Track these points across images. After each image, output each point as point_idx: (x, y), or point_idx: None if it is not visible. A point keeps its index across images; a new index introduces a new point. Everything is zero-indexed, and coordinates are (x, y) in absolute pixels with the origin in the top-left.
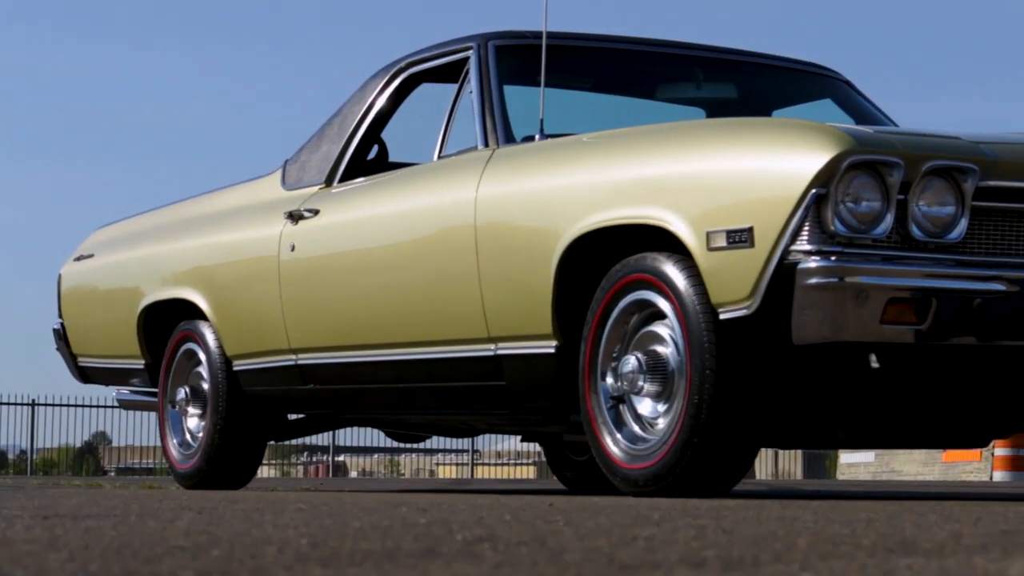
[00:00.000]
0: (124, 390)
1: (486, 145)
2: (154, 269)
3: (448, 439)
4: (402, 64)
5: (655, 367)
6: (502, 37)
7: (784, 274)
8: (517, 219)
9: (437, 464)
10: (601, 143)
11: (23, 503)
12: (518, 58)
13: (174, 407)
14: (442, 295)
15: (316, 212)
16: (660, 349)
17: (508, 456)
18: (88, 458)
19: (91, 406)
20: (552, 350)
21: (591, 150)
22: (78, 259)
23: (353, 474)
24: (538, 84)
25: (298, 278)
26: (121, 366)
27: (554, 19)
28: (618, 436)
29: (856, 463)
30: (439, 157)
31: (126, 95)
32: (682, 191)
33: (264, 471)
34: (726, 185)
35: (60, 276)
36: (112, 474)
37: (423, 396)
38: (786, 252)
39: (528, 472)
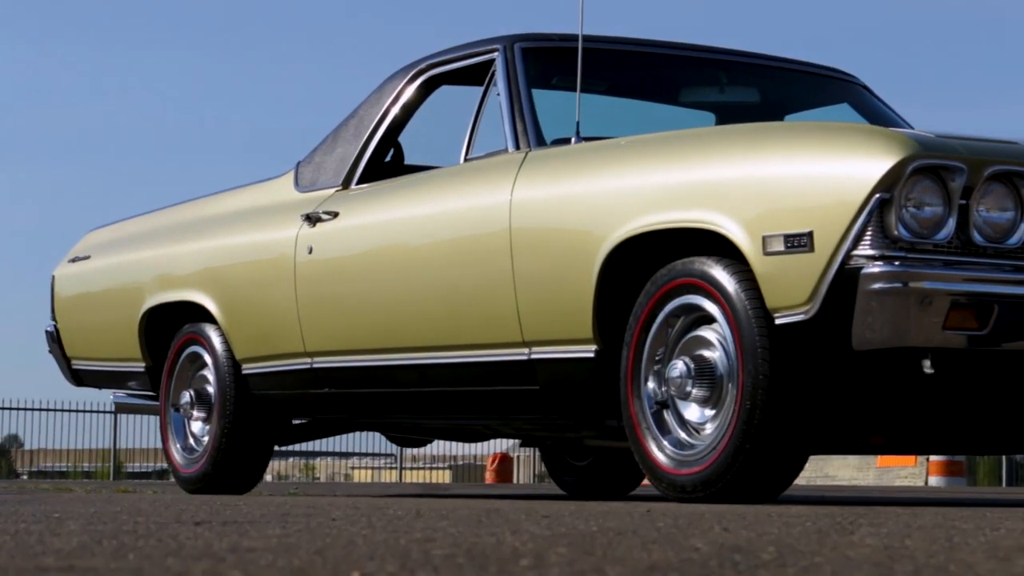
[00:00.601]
0: (121, 393)
1: (517, 148)
2: (157, 271)
3: (366, 442)
4: (422, 66)
5: (703, 372)
6: (528, 39)
7: (845, 279)
8: (556, 222)
9: (352, 468)
10: (646, 146)
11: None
12: (543, 61)
13: (177, 411)
14: (474, 298)
15: (335, 214)
16: (707, 354)
17: (424, 460)
18: (1, 461)
19: (2, 408)
20: (591, 354)
21: (636, 153)
22: (73, 261)
23: (268, 477)
24: (562, 87)
25: (315, 280)
26: (119, 369)
27: (563, 23)
28: (664, 442)
29: None
30: (466, 160)
31: (111, 96)
32: (737, 195)
33: None
34: (784, 189)
35: (53, 278)
36: (25, 477)
37: (449, 400)
38: (847, 257)
39: (444, 476)
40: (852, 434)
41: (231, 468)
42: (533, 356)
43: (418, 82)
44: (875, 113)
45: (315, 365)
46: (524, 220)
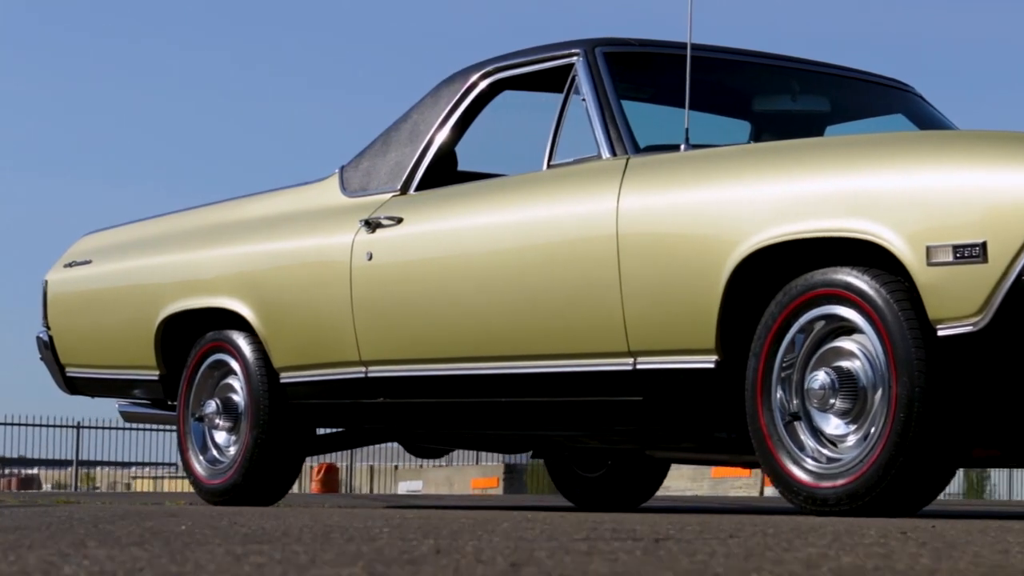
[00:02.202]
0: (125, 402)
1: (613, 154)
2: (178, 277)
3: (147, 453)
4: (487, 69)
5: (845, 384)
6: (608, 44)
7: (1022, 291)
8: (673, 230)
9: (133, 477)
10: (779, 154)
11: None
12: (623, 66)
13: (200, 420)
14: (572, 306)
15: (398, 220)
16: (848, 365)
17: None
18: None
19: None
20: (711, 365)
21: (767, 161)
22: (69, 265)
23: (47, 487)
24: (638, 94)
25: (376, 287)
26: (123, 377)
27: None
28: (800, 454)
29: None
30: (549, 166)
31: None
32: (896, 205)
33: None
34: (952, 199)
35: (46, 283)
36: None
37: (533, 411)
38: None
39: None
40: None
41: (262, 479)
42: (639, 366)
43: (481, 87)
44: (932, 124)
45: (370, 374)
46: (634, 227)
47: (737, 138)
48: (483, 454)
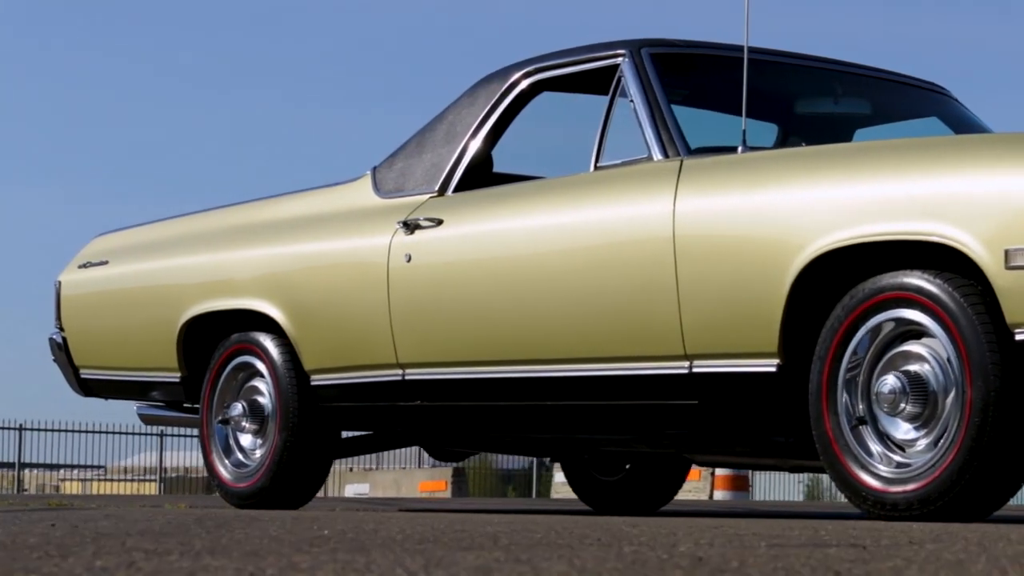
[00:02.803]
0: (143, 404)
1: (665, 156)
2: (202, 278)
3: (74, 455)
4: (527, 69)
5: (916, 388)
6: (653, 44)
7: None
8: (734, 232)
9: (62, 480)
10: (846, 157)
11: None
12: (669, 67)
13: (224, 423)
14: (626, 309)
15: (438, 221)
16: (918, 368)
17: (134, 472)
18: None
19: None
20: (772, 369)
21: (833, 163)
22: (84, 266)
23: None
24: (677, 96)
25: (416, 289)
26: (141, 379)
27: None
28: (867, 459)
29: (562, 481)
30: (596, 168)
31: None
32: (972, 207)
33: None
34: None
35: (59, 283)
36: None
37: (580, 414)
38: None
39: (151, 488)
40: None
41: (290, 482)
42: (695, 370)
43: (521, 87)
44: (967, 127)
45: (407, 376)
46: (691, 229)
47: (764, 141)
48: (429, 456)
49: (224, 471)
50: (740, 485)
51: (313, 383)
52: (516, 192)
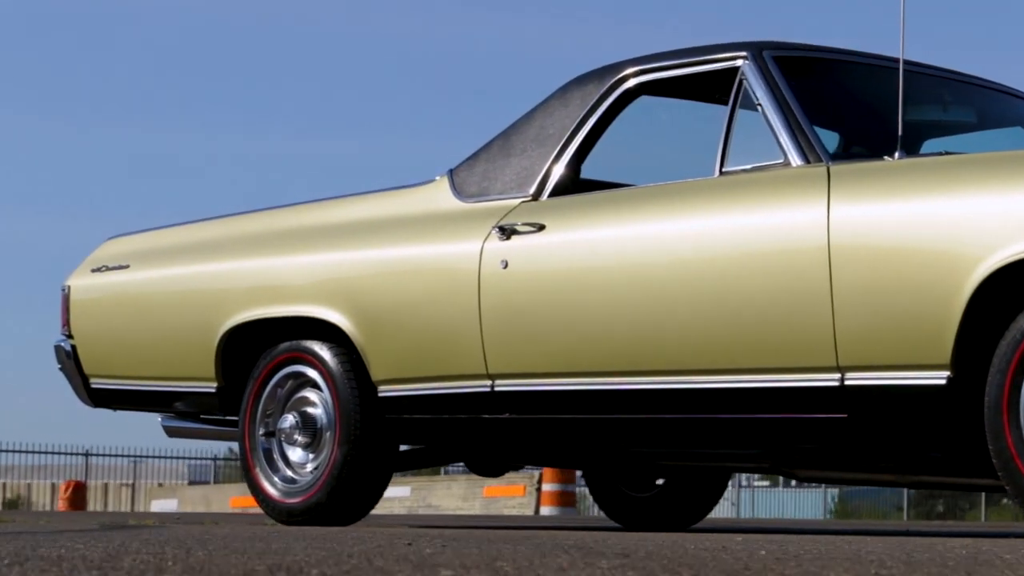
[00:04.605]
0: (167, 417)
1: (806, 162)
2: (249, 283)
3: None
4: (631, 70)
5: None
6: (773, 47)
7: None
8: (902, 242)
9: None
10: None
11: None
12: (790, 70)
13: (269, 435)
14: (767, 318)
15: (539, 227)
16: None
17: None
18: None
19: None
20: (942, 382)
21: (1009, 171)
22: (97, 270)
23: None
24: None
25: (514, 297)
26: (164, 389)
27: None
28: None
29: (391, 497)
30: (721, 173)
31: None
32: None
33: None
34: None
35: (68, 288)
36: None
37: (697, 429)
38: None
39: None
40: None
41: (348, 498)
42: (848, 382)
43: (624, 88)
44: None
45: (497, 388)
46: (850, 238)
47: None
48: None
49: (269, 486)
50: (568, 501)
51: (381, 394)
52: (628, 197)
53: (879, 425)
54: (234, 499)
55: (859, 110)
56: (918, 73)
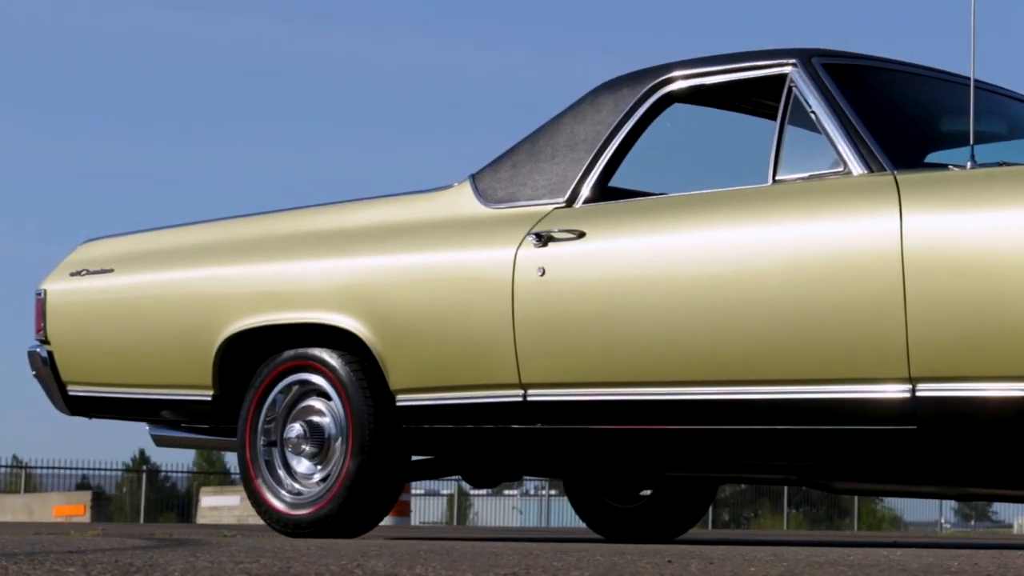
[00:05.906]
0: (156, 426)
1: (868, 170)
2: (253, 288)
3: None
4: (667, 76)
5: None
6: (822, 55)
7: None
8: (978, 251)
9: None
10: None
11: None
12: (840, 78)
13: (271, 446)
14: (831, 327)
15: (579, 234)
16: None
17: None
18: None
19: None
20: (1021, 393)
21: None
22: (76, 274)
23: None
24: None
25: (551, 305)
26: (151, 397)
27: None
28: None
29: (219, 507)
30: (774, 181)
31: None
32: None
33: None
34: None
35: (44, 292)
36: None
37: (745, 440)
38: None
39: None
40: None
41: (360, 509)
42: (919, 393)
43: (661, 93)
44: None
45: (530, 398)
46: (924, 248)
47: None
48: (65, 480)
49: (274, 498)
50: (402, 511)
51: (400, 403)
52: (673, 205)
53: (950, 437)
54: (58, 508)
55: (901, 119)
56: (954, 83)
